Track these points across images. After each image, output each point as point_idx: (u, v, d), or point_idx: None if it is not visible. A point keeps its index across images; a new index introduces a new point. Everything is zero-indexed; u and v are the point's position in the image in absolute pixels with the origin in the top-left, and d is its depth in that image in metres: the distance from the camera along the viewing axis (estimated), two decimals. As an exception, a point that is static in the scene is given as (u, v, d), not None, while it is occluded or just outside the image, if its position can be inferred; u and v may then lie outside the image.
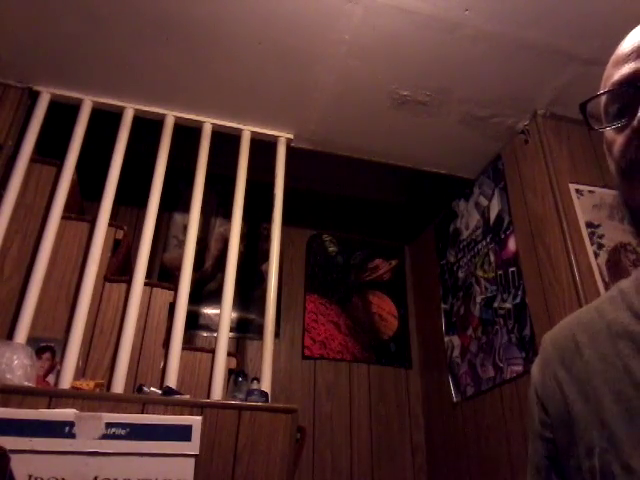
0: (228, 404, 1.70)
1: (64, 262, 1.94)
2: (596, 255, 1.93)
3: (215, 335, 2.06)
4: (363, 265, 3.12)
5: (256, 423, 1.62)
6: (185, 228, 2.25)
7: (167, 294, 2.02)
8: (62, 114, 2.19)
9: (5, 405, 1.45)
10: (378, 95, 2.18)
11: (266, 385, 1.91)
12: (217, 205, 2.86)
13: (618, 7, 1.75)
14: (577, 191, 2.07)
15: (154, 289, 2.02)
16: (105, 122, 2.22)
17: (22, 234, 1.92)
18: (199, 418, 1.56)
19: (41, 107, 2.15)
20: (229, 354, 1.99)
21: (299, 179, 2.53)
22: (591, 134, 2.06)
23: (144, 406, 1.57)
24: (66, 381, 1.70)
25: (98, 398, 1.57)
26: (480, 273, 2.46)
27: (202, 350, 2.02)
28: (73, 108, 2.20)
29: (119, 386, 1.75)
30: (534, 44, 1.93)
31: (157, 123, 2.28)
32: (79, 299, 1.84)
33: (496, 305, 2.30)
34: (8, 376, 1.53)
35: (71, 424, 1.46)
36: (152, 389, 1.70)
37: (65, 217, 2.00)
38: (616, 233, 1.99)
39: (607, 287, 1.85)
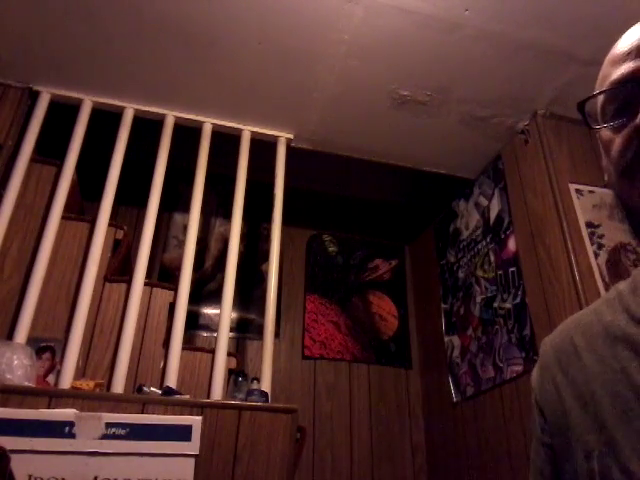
0: (228, 404, 1.70)
1: (64, 262, 1.94)
2: (596, 255, 1.93)
3: (215, 335, 2.06)
4: (363, 265, 3.12)
5: (256, 423, 1.62)
6: (185, 228, 2.25)
7: (167, 294, 2.02)
8: (62, 114, 2.19)
9: (5, 405, 1.45)
10: (378, 95, 2.18)
11: (266, 385, 1.91)
12: (217, 205, 2.86)
13: (618, 7, 1.75)
14: (577, 191, 2.07)
15: (154, 289, 2.02)
16: (105, 122, 2.22)
17: (22, 234, 1.92)
18: (199, 418, 1.56)
19: (41, 107, 2.15)
20: (229, 354, 1.99)
21: (299, 179, 2.53)
22: (591, 134, 2.06)
23: (144, 406, 1.57)
24: (66, 381, 1.70)
25: (98, 398, 1.57)
26: (480, 273, 2.46)
27: (202, 350, 2.02)
28: (73, 108, 2.20)
29: (119, 386, 1.75)
30: (534, 44, 1.93)
31: (157, 123, 2.28)
32: (79, 299, 1.84)
33: (496, 305, 2.30)
34: (8, 376, 1.53)
35: (71, 424, 1.46)
36: (152, 389, 1.70)
37: (65, 217, 2.00)
38: (616, 233, 1.99)
39: (607, 287, 1.85)
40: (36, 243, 1.91)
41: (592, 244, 1.95)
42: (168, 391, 1.72)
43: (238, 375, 1.95)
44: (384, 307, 3.03)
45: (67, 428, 1.45)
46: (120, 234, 2.08)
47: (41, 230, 1.93)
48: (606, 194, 2.06)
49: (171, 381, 1.81)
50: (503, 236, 2.33)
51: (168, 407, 1.58)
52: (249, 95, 2.22)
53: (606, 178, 0.62)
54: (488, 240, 2.44)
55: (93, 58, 2.05)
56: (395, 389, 2.82)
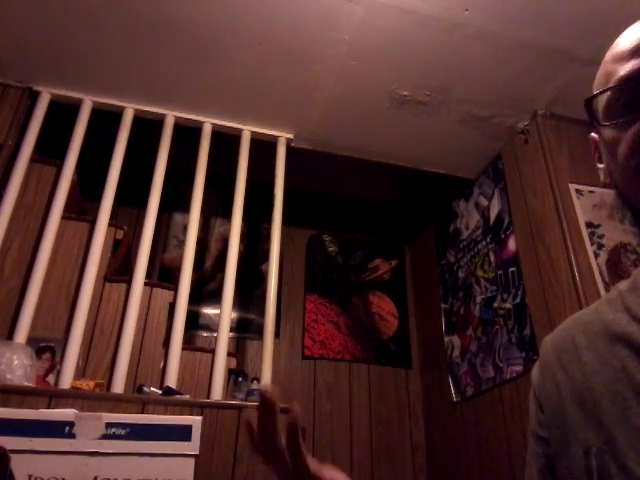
0: (228, 404, 1.70)
1: (64, 262, 1.94)
2: (596, 255, 1.93)
3: (215, 335, 2.05)
4: (363, 265, 3.12)
5: (256, 423, 1.62)
6: (185, 228, 2.25)
7: (167, 294, 2.02)
8: (62, 114, 2.19)
9: (5, 405, 1.45)
10: (378, 95, 2.18)
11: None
12: (217, 205, 2.86)
13: (618, 7, 1.75)
14: (577, 191, 2.07)
15: (154, 289, 2.02)
16: (105, 122, 2.22)
17: (22, 234, 1.92)
18: (199, 418, 1.56)
19: (41, 107, 2.15)
20: (229, 354, 1.99)
21: (299, 179, 2.53)
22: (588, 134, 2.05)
23: (144, 406, 1.57)
24: (66, 381, 1.70)
25: (98, 398, 1.57)
26: (480, 273, 2.46)
27: (202, 350, 2.02)
28: (73, 108, 2.20)
29: (119, 386, 1.75)
30: (534, 44, 1.93)
31: (157, 123, 2.28)
32: (79, 299, 1.84)
33: (496, 305, 2.30)
34: (8, 376, 1.53)
35: (71, 424, 1.46)
36: (152, 389, 1.71)
37: (65, 217, 2.00)
38: (616, 233, 1.99)
39: (607, 287, 1.85)
40: (36, 243, 1.91)
41: (592, 244, 1.95)
42: (168, 391, 1.72)
43: (238, 375, 1.95)
44: (384, 307, 3.03)
45: (67, 428, 1.45)
46: (120, 234, 2.08)
47: (41, 230, 1.93)
48: (606, 194, 2.06)
49: (171, 381, 1.81)
50: (503, 236, 2.33)
51: (168, 407, 1.58)
52: (249, 95, 2.22)
53: (603, 178, 0.61)
54: (488, 240, 2.44)
55: (93, 58, 2.05)
56: (395, 389, 2.82)
